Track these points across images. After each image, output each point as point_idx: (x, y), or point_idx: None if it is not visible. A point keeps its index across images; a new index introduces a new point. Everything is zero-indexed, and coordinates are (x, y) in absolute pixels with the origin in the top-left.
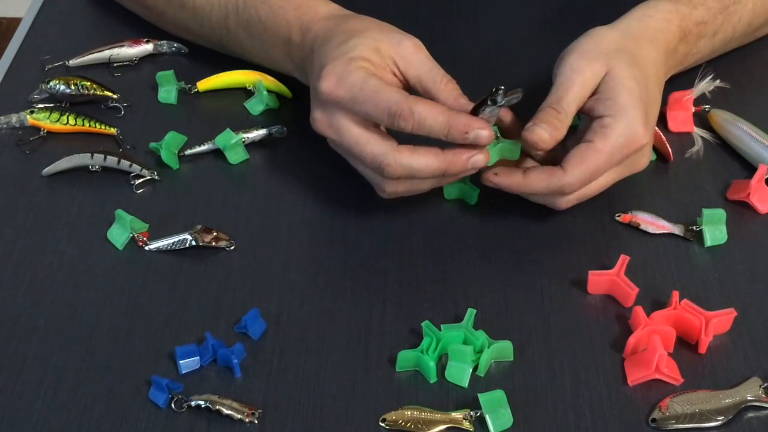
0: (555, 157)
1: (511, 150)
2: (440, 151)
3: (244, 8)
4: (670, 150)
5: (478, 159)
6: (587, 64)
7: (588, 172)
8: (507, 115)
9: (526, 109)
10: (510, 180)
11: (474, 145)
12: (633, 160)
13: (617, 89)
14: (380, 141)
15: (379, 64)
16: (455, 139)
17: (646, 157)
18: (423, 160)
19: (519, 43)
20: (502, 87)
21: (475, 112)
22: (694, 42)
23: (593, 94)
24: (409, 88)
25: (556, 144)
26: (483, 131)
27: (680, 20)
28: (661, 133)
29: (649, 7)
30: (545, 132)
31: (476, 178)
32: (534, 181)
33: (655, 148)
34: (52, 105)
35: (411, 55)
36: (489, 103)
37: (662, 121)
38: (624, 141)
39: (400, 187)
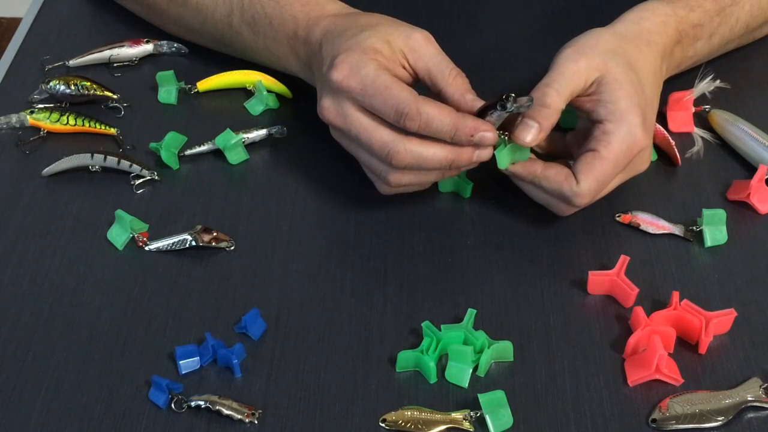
0: (554, 147)
1: (522, 151)
2: (451, 135)
3: (249, 5)
4: (678, 154)
5: (483, 153)
6: (583, 58)
7: (597, 181)
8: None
9: None
10: (527, 170)
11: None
12: (634, 164)
13: (617, 93)
14: (389, 128)
15: (390, 57)
16: (461, 141)
17: (647, 160)
18: (432, 149)
19: (518, 43)
20: (513, 94)
21: (482, 113)
22: (690, 44)
23: (590, 94)
24: (419, 80)
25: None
26: (488, 133)
27: (677, 23)
28: (669, 137)
29: (646, 9)
30: (535, 132)
31: (470, 172)
32: (550, 177)
33: (661, 150)
34: (52, 105)
35: (421, 47)
36: (498, 108)
37: (662, 121)
38: (626, 146)
39: (405, 178)
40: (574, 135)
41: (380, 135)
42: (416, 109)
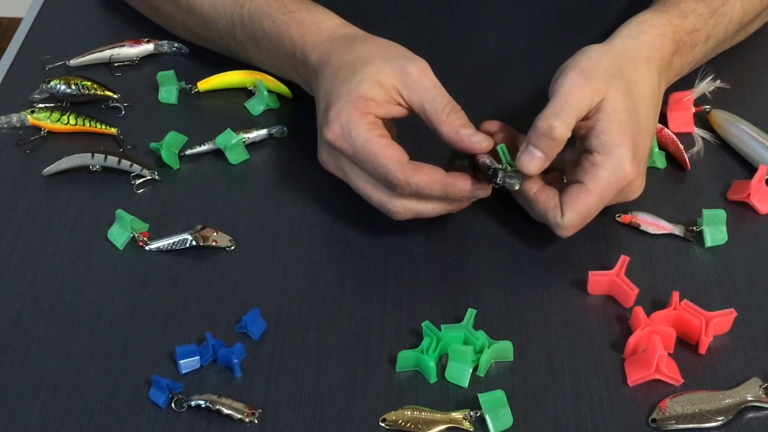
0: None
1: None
2: (443, 197)
3: (249, 20)
4: (687, 159)
5: (478, 192)
6: (588, 83)
7: (581, 215)
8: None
9: (527, 120)
10: (522, 186)
11: None
12: (623, 194)
13: (611, 124)
14: (384, 189)
15: (383, 100)
16: (454, 200)
17: (637, 190)
18: (428, 205)
19: (519, 44)
20: (501, 170)
21: (474, 158)
22: (688, 52)
23: (586, 119)
24: (415, 114)
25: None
26: (479, 191)
27: (673, 33)
28: (678, 142)
29: (643, 22)
30: (540, 161)
31: None
32: (540, 201)
33: (671, 155)
34: (52, 105)
35: (415, 82)
36: (492, 182)
37: (662, 121)
38: (614, 180)
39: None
40: (571, 153)
41: (377, 196)
42: (405, 180)
